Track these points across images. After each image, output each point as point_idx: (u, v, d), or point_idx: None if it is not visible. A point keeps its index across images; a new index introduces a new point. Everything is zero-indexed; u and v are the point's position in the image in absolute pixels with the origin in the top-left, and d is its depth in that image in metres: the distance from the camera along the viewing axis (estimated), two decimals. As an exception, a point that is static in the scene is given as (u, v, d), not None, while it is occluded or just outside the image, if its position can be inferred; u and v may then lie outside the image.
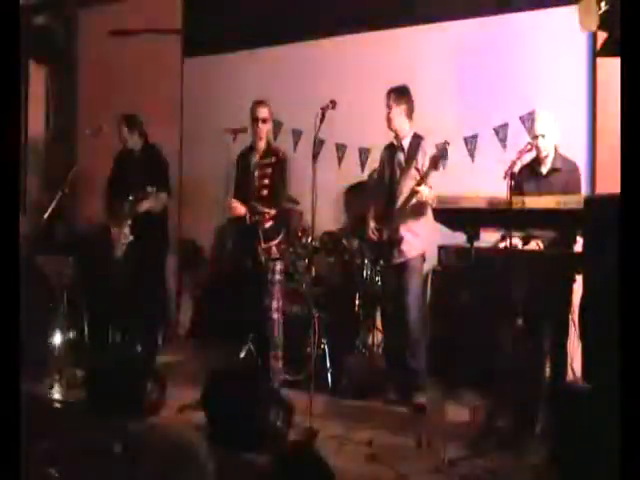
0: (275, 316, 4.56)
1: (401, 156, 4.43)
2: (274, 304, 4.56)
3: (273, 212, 4.47)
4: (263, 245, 4.50)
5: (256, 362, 4.72)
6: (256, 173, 4.59)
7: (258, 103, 4.63)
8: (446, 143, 4.24)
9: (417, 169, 4.27)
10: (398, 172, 4.42)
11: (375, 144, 5.56)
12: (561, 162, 4.00)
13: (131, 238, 4.99)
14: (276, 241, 4.54)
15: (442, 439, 3.48)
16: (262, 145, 4.64)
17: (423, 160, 4.28)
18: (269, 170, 4.57)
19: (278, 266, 4.58)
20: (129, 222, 5.01)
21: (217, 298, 6.13)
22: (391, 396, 4.46)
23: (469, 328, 4.32)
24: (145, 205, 5.00)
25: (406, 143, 4.43)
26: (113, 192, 5.30)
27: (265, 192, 4.55)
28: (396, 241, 4.34)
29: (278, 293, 4.58)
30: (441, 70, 5.28)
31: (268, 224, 4.50)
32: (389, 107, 4.40)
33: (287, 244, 4.77)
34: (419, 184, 4.18)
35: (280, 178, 4.59)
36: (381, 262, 4.52)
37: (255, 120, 4.61)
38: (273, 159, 4.59)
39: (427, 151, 4.31)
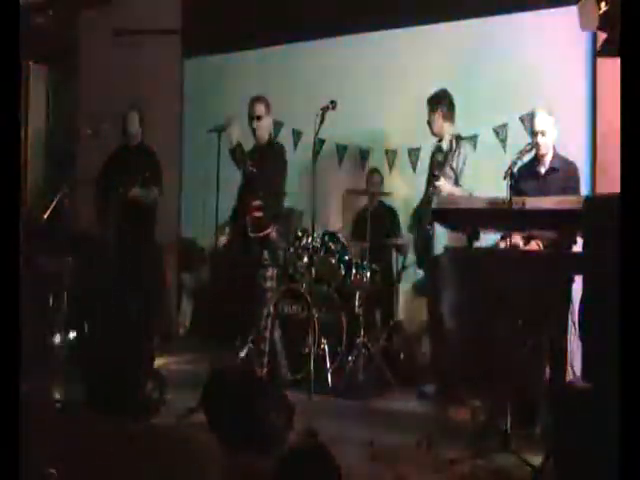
0: (268, 323, 4.50)
1: (440, 157, 4.56)
2: (265, 311, 4.51)
3: (258, 202, 4.42)
4: (251, 235, 4.44)
5: (256, 362, 4.71)
6: (249, 165, 4.51)
7: (254, 100, 4.62)
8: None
9: (452, 168, 4.42)
10: (436, 172, 4.53)
11: (375, 144, 5.58)
12: (560, 162, 4.00)
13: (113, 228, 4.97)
14: (266, 232, 4.47)
15: (442, 439, 3.48)
16: (261, 141, 4.63)
17: (458, 160, 4.43)
18: (264, 162, 4.52)
19: (269, 272, 4.51)
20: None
21: (217, 298, 6.12)
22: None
23: (469, 328, 4.32)
24: (134, 192, 4.96)
25: (445, 145, 4.56)
26: (104, 187, 5.26)
27: (256, 184, 4.50)
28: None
29: (270, 300, 4.53)
30: (441, 70, 5.28)
31: (257, 214, 4.45)
32: (429, 112, 4.57)
33: (278, 237, 4.63)
34: (437, 179, 4.34)
35: (274, 170, 4.53)
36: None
37: (250, 118, 4.63)
38: (269, 152, 4.56)
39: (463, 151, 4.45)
